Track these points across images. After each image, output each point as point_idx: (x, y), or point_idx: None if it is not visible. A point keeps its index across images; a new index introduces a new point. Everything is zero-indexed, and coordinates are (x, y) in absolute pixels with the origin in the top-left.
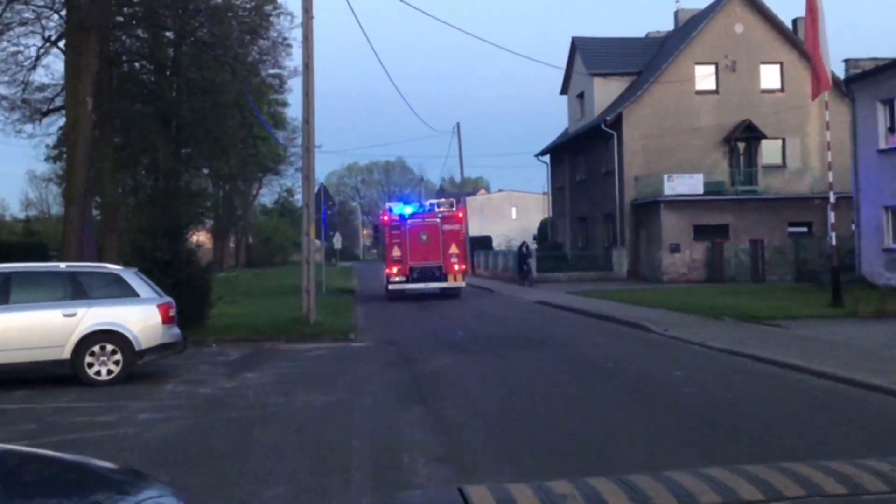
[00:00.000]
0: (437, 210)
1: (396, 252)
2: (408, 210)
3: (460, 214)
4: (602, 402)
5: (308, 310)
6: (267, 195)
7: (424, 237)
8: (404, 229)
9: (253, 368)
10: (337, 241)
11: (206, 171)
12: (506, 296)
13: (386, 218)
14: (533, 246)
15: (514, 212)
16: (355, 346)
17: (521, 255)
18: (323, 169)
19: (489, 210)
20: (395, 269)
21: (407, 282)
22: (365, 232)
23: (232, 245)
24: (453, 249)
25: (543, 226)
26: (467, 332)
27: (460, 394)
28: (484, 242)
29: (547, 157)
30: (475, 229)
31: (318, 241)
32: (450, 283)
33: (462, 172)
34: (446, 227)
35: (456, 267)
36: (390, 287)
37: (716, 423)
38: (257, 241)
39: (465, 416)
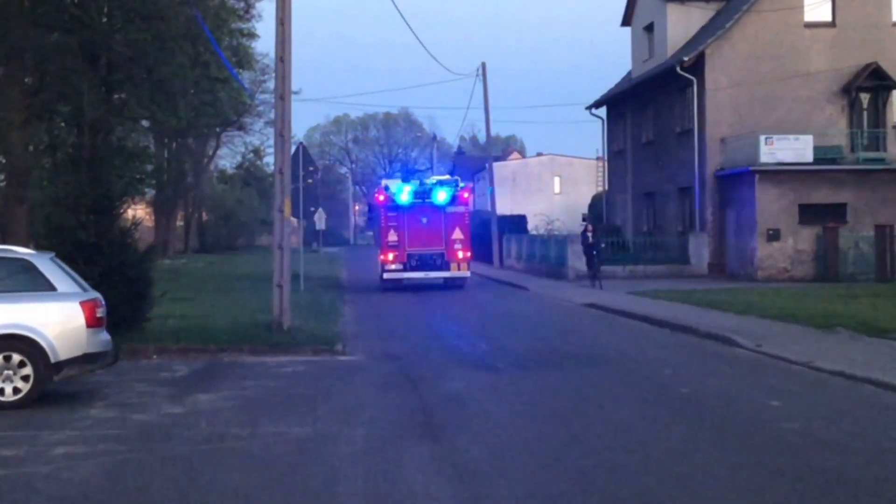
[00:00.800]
0: (441, 189)
1: (393, 236)
2: (405, 194)
3: (466, 195)
4: (672, 441)
5: (281, 311)
6: (227, 157)
7: (425, 220)
8: (402, 210)
9: (207, 388)
10: (320, 220)
11: (146, 123)
12: (545, 296)
13: (381, 197)
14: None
15: (556, 183)
16: (343, 360)
17: (589, 243)
18: (302, 123)
19: (524, 180)
20: (390, 256)
21: (404, 270)
22: (357, 207)
23: (180, 223)
24: (457, 234)
25: (596, 203)
26: (492, 344)
27: (482, 427)
28: (516, 224)
29: (602, 111)
30: (504, 206)
31: (294, 220)
32: (453, 273)
33: (488, 129)
34: (449, 209)
35: (460, 254)
36: (385, 276)
37: (826, 473)
38: (214, 218)
39: (487, 456)
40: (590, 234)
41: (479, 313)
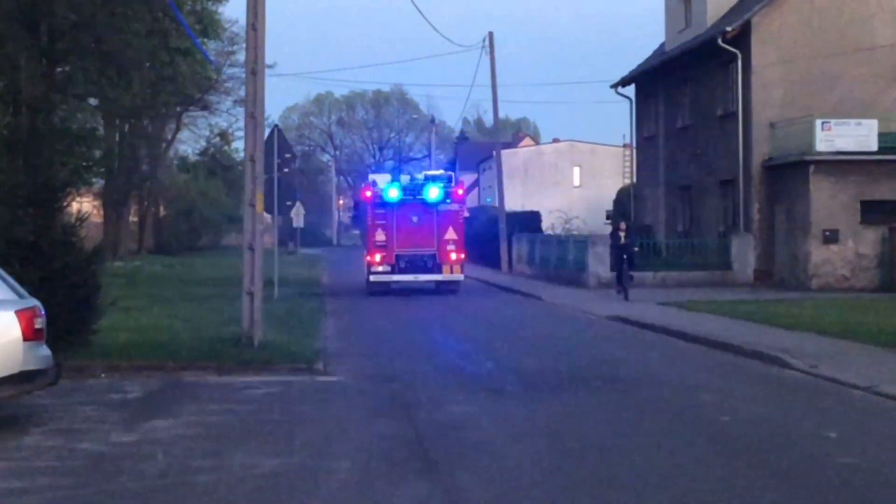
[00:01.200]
0: (432, 186)
1: (380, 236)
2: (395, 191)
3: (459, 192)
4: (710, 479)
5: (251, 323)
6: (189, 141)
7: (415, 219)
8: (391, 208)
9: (164, 413)
10: (297, 216)
11: (93, 102)
12: (561, 306)
13: (369, 193)
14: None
15: (576, 174)
16: (324, 380)
17: (620, 245)
18: (278, 102)
19: (537, 170)
20: (377, 257)
21: (392, 272)
22: (341, 202)
23: (134, 219)
24: (450, 234)
25: (622, 198)
26: (499, 363)
27: (487, 462)
28: (528, 222)
29: (630, 90)
30: (514, 201)
31: (267, 216)
32: (445, 276)
33: (496, 111)
34: (442, 207)
35: (453, 256)
36: (372, 279)
37: None
38: (173, 213)
39: (493, 497)
40: (622, 235)
41: (484, 326)
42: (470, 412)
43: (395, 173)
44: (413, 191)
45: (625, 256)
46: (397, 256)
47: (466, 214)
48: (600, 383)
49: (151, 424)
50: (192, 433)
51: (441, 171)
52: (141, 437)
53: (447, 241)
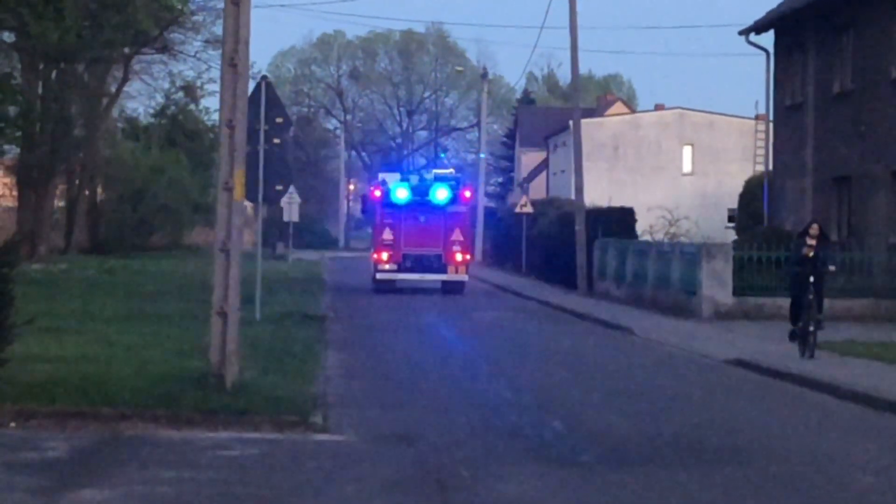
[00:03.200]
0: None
1: (388, 234)
2: (403, 191)
3: (467, 194)
4: None
5: (223, 356)
6: (141, 97)
7: (423, 219)
8: (399, 208)
9: (96, 481)
10: (290, 207)
11: (8, 38)
12: (662, 344)
13: (378, 192)
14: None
15: (686, 156)
16: (323, 440)
17: (804, 262)
18: (268, 44)
19: (631, 150)
20: (384, 255)
21: (399, 270)
22: (352, 187)
23: (60, 203)
24: (456, 235)
25: (752, 191)
26: (571, 422)
27: None
28: (617, 223)
29: (768, 39)
30: (597, 192)
31: (249, 205)
32: (450, 276)
33: (575, 64)
34: (450, 208)
35: (459, 257)
36: (378, 276)
37: None
38: (116, 197)
39: None
40: (811, 243)
41: (547, 367)
42: (527, 493)
43: (405, 174)
44: (422, 191)
45: (811, 279)
46: (404, 255)
47: (487, 213)
48: (714, 457)
49: (79, 496)
50: None
51: (451, 171)
52: None
53: (453, 242)
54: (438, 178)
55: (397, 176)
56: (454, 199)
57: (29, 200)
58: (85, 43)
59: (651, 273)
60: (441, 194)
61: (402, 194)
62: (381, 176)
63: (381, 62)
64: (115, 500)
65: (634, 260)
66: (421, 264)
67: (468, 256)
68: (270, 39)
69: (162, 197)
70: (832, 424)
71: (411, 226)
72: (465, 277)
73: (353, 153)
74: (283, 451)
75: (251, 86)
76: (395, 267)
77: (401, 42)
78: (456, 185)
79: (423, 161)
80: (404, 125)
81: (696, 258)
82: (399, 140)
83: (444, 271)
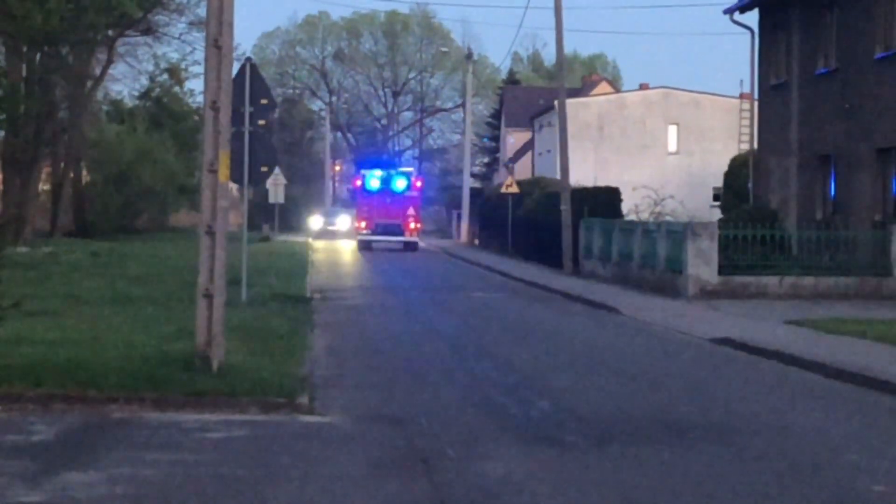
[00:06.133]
0: (401, 177)
1: (365, 210)
2: (375, 181)
3: (418, 184)
4: None
5: (209, 338)
6: (126, 79)
7: (388, 200)
8: (372, 192)
9: (83, 464)
10: (276, 188)
11: None
12: (648, 323)
13: (359, 182)
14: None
15: (672, 135)
16: (310, 422)
17: None
18: (252, 26)
19: (616, 129)
20: (363, 224)
21: (372, 234)
22: (338, 168)
23: (46, 187)
24: (410, 211)
25: (737, 170)
26: (558, 402)
27: None
28: (603, 203)
29: (752, 17)
30: (582, 172)
31: (234, 187)
32: (407, 238)
33: (560, 44)
34: (406, 193)
35: (412, 225)
36: (359, 238)
37: None
38: (101, 179)
39: None
40: None
41: (534, 347)
42: (513, 472)
43: (382, 166)
44: (387, 181)
45: None
46: (376, 224)
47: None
48: (696, 434)
49: (65, 479)
50: (122, 492)
51: (410, 169)
52: (50, 496)
53: (409, 216)
54: (398, 173)
55: (376, 171)
56: (408, 187)
57: (14, 184)
58: (69, 25)
59: (637, 252)
60: (400, 183)
61: (374, 183)
62: (362, 171)
63: (365, 43)
64: (101, 483)
65: (620, 239)
66: (387, 230)
67: (419, 225)
68: (255, 21)
69: (147, 179)
70: (818, 402)
71: (380, 204)
72: (416, 239)
73: (339, 134)
74: (270, 433)
75: (236, 67)
76: (370, 232)
77: (385, 23)
78: (409, 177)
79: (408, 142)
80: (389, 106)
81: (681, 237)
82: (384, 121)
83: (403, 234)
